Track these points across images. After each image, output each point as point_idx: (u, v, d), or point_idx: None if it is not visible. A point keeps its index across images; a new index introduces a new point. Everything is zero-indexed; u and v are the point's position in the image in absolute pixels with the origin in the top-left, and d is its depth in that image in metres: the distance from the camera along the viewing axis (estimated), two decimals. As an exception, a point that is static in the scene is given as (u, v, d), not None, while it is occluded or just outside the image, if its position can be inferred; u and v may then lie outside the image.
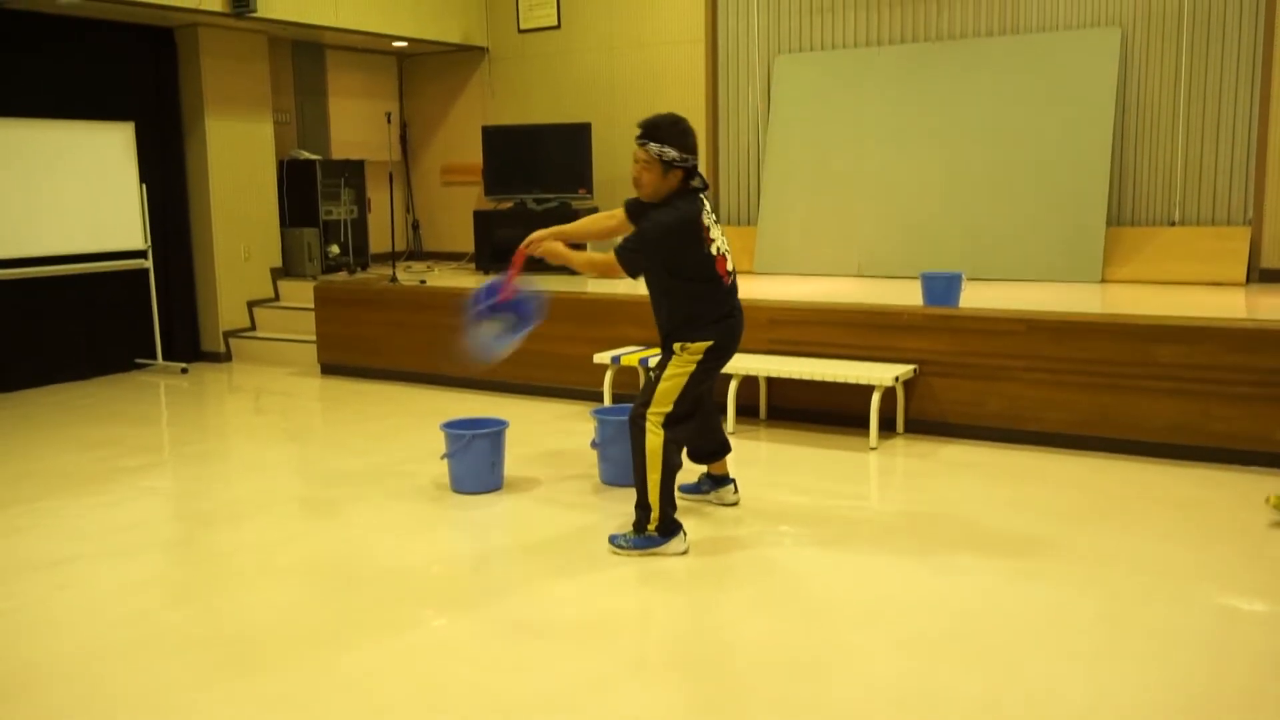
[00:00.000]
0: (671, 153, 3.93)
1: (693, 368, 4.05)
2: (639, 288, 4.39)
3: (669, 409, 4.04)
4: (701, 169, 4.13)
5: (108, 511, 4.82)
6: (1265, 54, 6.92)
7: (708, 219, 4.05)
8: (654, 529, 4.06)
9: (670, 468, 4.05)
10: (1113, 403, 5.38)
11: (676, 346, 4.08)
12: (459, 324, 4.53)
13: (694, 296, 4.07)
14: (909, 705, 2.90)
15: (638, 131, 4.01)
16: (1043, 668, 3.10)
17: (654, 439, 4.02)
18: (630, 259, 3.98)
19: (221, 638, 3.43)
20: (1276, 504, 4.33)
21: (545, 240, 4.15)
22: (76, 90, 7.87)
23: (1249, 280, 6.94)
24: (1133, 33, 7.31)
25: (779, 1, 8.51)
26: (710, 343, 4.06)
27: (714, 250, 4.06)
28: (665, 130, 3.94)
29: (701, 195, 4.07)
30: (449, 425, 4.95)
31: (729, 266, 4.13)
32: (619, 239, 4.09)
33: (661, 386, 4.05)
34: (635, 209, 4.19)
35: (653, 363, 4.32)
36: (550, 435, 6.02)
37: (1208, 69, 7.13)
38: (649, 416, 4.03)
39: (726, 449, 4.68)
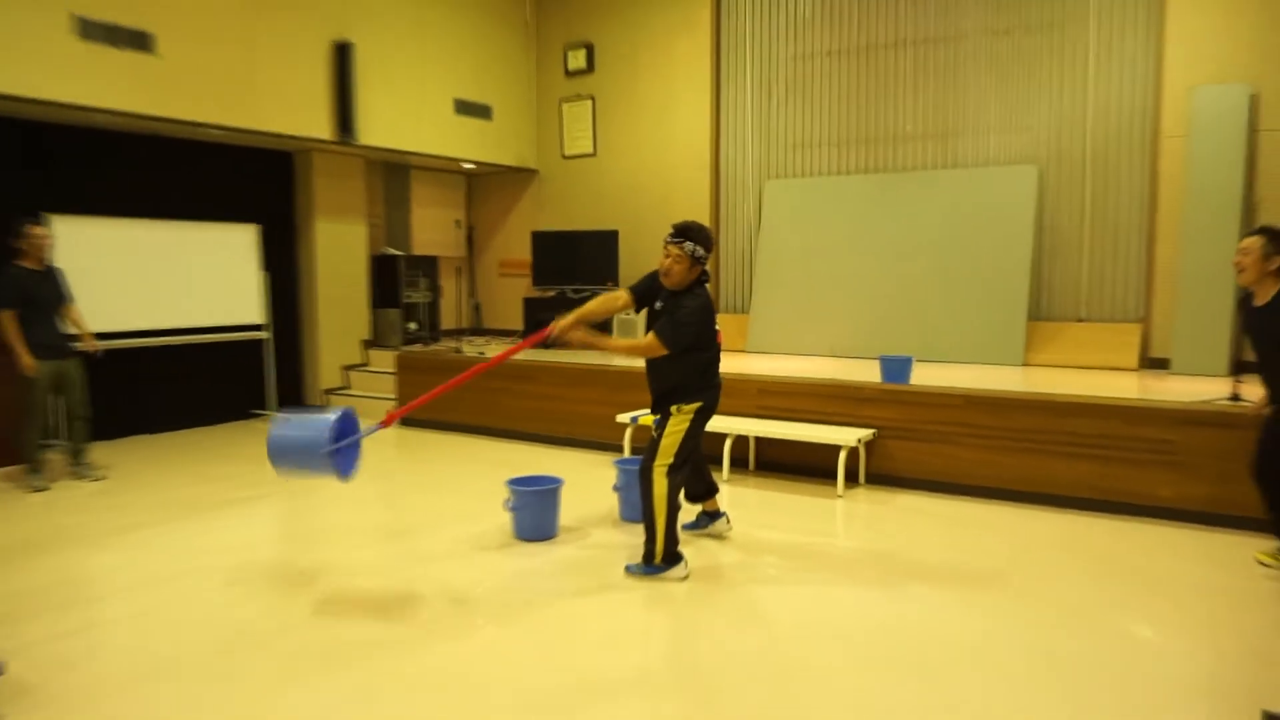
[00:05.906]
0: (700, 251, 3.92)
1: (687, 424, 4.03)
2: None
3: (671, 460, 4.01)
4: (708, 267, 4.14)
5: (220, 535, 4.83)
6: (1151, 188, 6.98)
7: None
8: (660, 560, 4.05)
9: (673, 509, 4.03)
10: (1034, 464, 5.35)
11: (673, 408, 4.04)
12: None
13: (696, 365, 4.00)
14: (866, 713, 2.86)
15: (671, 232, 3.94)
16: (979, 686, 3.06)
17: (660, 486, 4.00)
18: (678, 338, 3.90)
19: (311, 640, 3.42)
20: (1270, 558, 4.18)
21: (572, 329, 3.91)
22: (215, 199, 8.01)
23: (1140, 366, 6.91)
24: (1048, 169, 7.38)
25: (769, 138, 8.64)
26: (700, 403, 4.03)
27: (717, 326, 4.10)
28: (695, 233, 3.92)
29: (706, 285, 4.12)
30: (514, 481, 4.72)
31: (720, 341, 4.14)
32: (652, 328, 3.98)
33: (664, 442, 4.03)
34: (644, 292, 4.10)
35: (645, 420, 4.26)
36: (580, 479, 6.01)
37: (1106, 198, 7.18)
38: (655, 469, 4.01)
39: (715, 490, 4.67)
